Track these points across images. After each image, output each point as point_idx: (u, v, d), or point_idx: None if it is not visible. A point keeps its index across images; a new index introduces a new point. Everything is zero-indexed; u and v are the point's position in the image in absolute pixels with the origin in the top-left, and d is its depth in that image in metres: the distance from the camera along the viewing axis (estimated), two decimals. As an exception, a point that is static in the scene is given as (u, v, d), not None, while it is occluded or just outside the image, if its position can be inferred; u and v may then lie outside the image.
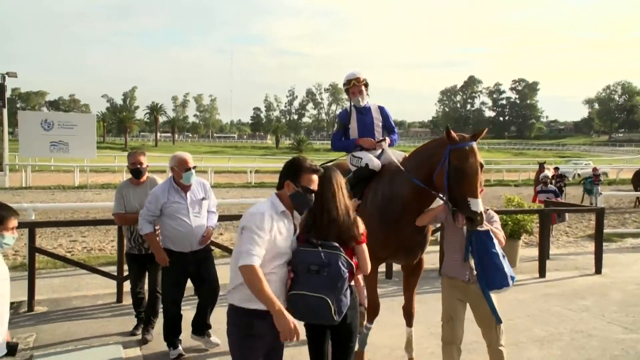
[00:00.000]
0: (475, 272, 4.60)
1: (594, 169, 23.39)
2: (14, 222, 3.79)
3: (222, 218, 10.22)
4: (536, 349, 6.00)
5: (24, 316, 7.05)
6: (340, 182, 3.93)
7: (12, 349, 3.66)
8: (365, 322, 5.20)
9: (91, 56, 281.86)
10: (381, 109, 6.07)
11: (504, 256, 4.56)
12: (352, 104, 5.98)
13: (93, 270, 7.93)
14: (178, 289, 5.78)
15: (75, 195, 22.83)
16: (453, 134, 4.53)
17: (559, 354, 5.93)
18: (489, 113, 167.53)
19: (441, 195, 4.73)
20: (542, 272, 9.22)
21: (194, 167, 5.78)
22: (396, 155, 5.63)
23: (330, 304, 3.58)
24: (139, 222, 5.66)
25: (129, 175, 6.41)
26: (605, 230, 10.93)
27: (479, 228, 4.44)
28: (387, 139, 5.84)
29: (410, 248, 5.27)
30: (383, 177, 5.41)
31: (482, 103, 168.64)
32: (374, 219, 5.05)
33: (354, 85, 5.88)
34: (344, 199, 3.88)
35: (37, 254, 7.79)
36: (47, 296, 7.61)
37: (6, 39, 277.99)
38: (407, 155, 5.54)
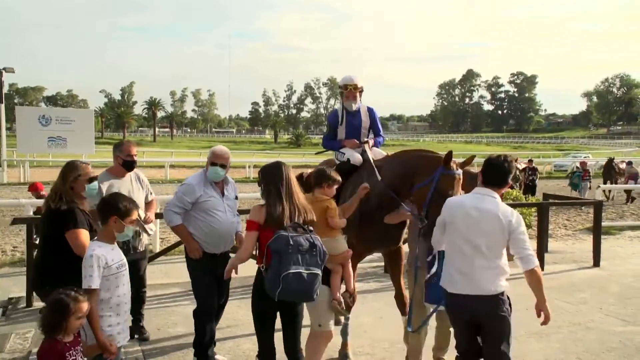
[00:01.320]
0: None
1: (582, 163, 22.64)
2: (135, 215, 4.08)
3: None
4: (535, 341, 6.01)
5: (23, 312, 7.02)
6: (291, 175, 4.39)
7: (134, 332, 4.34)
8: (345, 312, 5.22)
9: (89, 51, 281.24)
10: (370, 112, 6.24)
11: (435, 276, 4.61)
12: (344, 106, 6.16)
13: (91, 265, 7.86)
14: (213, 298, 5.21)
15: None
16: (451, 161, 4.67)
17: (558, 346, 5.94)
18: (487, 107, 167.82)
19: (408, 209, 4.99)
20: (540, 265, 9.17)
21: (224, 165, 5.26)
22: (376, 154, 5.93)
23: (320, 279, 4.05)
24: (167, 215, 5.16)
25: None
26: (603, 223, 10.92)
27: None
28: (371, 141, 6.08)
29: (385, 241, 5.50)
30: (361, 173, 5.64)
31: (481, 97, 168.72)
32: (352, 213, 5.19)
33: (350, 91, 6.07)
34: (297, 189, 4.35)
35: (35, 250, 7.76)
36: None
37: (3, 34, 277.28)
38: (387, 156, 5.84)
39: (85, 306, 3.53)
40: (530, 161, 21.84)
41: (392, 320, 6.09)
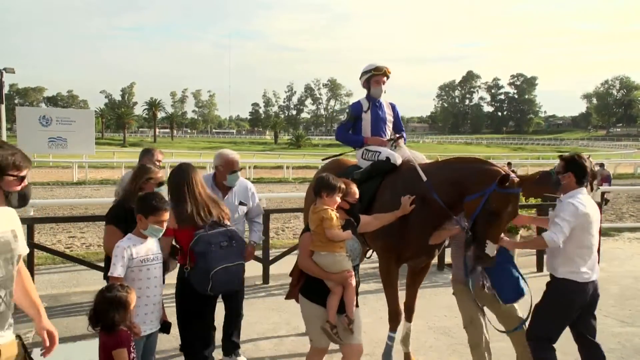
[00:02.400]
0: (486, 282, 4.70)
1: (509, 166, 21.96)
2: (165, 216, 4.09)
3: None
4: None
5: (23, 312, 7.05)
6: (195, 175, 4.63)
7: (166, 327, 4.25)
8: (388, 332, 5.35)
9: (89, 52, 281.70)
10: (393, 107, 5.92)
11: (513, 270, 4.70)
12: (371, 94, 5.72)
13: (92, 266, 7.90)
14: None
15: (74, 191, 22.84)
16: (508, 181, 4.24)
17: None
18: (487, 108, 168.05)
19: (462, 223, 4.60)
20: (539, 266, 9.23)
21: (241, 169, 5.55)
22: (416, 156, 5.33)
23: (244, 269, 4.45)
24: None
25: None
26: (602, 225, 10.91)
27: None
28: (401, 137, 5.65)
29: (429, 250, 5.12)
30: (404, 175, 5.10)
31: (481, 98, 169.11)
32: (397, 219, 4.84)
33: (383, 74, 5.68)
34: (201, 188, 4.59)
35: (36, 250, 7.79)
36: (46, 292, 7.61)
37: (3, 34, 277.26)
38: (435, 162, 5.27)
39: (134, 296, 3.74)
40: (509, 164, 21.52)
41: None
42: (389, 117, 5.82)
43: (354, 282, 4.22)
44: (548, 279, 4.58)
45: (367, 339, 6.01)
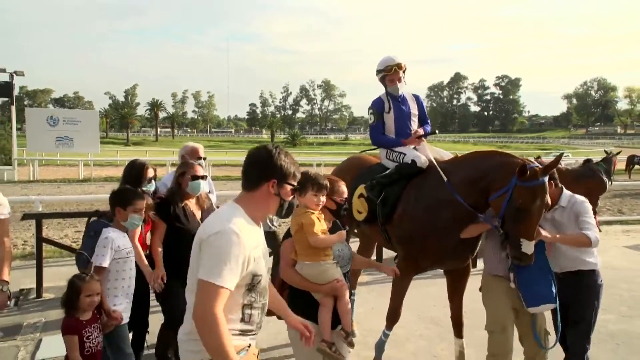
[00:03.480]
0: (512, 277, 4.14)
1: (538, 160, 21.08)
2: (141, 204, 4.14)
3: (220, 209, 10.24)
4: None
5: (33, 302, 7.10)
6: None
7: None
8: (384, 329, 5.06)
9: (94, 55, 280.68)
10: (416, 98, 5.44)
11: (548, 271, 4.06)
12: (388, 92, 5.27)
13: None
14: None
15: (80, 188, 22.76)
16: (528, 171, 3.78)
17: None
18: (474, 108, 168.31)
19: (492, 222, 4.11)
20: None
21: (204, 158, 5.72)
22: (442, 154, 5.02)
23: None
24: None
25: None
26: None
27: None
28: (420, 130, 5.27)
29: (457, 255, 4.63)
30: (429, 177, 4.69)
31: (468, 98, 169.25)
32: (417, 224, 4.57)
33: (395, 72, 5.14)
34: None
35: (44, 243, 7.83)
36: (54, 283, 7.60)
37: (12, 38, 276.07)
38: (456, 158, 4.85)
39: (95, 286, 3.70)
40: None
41: (383, 311, 6.12)
42: (414, 111, 5.34)
43: (347, 291, 3.64)
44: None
45: (359, 328, 6.07)
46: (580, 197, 4.20)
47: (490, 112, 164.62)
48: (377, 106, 5.29)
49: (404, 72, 5.21)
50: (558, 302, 4.02)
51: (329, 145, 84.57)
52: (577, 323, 4.19)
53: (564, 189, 4.25)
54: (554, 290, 4.00)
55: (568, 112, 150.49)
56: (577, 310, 4.18)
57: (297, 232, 3.54)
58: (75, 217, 13.53)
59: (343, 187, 3.78)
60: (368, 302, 6.96)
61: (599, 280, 4.28)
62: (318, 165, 32.88)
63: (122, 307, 3.99)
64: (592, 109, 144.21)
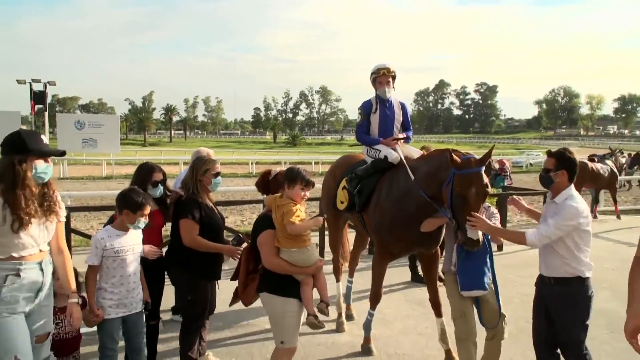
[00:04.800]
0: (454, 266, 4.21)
1: (500, 162, 17.92)
2: (148, 209, 3.92)
3: (227, 203, 10.35)
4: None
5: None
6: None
7: (146, 307, 4.03)
8: (369, 309, 5.08)
9: (116, 66, 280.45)
10: (402, 105, 5.41)
11: (484, 262, 4.12)
12: (377, 94, 5.25)
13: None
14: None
15: (103, 185, 22.82)
16: (456, 158, 3.85)
17: (511, 314, 5.94)
18: (456, 112, 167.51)
19: (447, 214, 4.08)
20: (500, 247, 9.15)
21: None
22: (412, 152, 5.02)
23: None
24: None
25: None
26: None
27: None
28: (402, 136, 5.25)
29: (423, 242, 4.66)
30: (398, 173, 4.74)
31: (451, 103, 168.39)
32: (387, 214, 4.65)
33: (383, 75, 5.15)
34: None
35: (72, 234, 7.87)
36: (82, 269, 7.63)
37: (46, 52, 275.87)
38: (422, 156, 4.86)
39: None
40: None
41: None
42: (398, 116, 5.31)
43: (322, 267, 3.74)
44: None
45: (355, 310, 6.12)
46: (575, 201, 3.59)
47: (471, 116, 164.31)
48: (365, 107, 5.32)
49: (393, 78, 5.23)
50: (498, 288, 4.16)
51: (326, 145, 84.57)
52: (565, 344, 3.72)
53: (572, 187, 3.70)
54: (486, 280, 4.08)
55: (539, 116, 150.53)
56: (564, 328, 3.68)
57: (280, 222, 3.56)
58: (99, 211, 13.55)
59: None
60: (362, 287, 7.02)
61: (589, 291, 3.63)
62: (316, 163, 32.96)
63: (108, 303, 3.79)
64: (559, 113, 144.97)
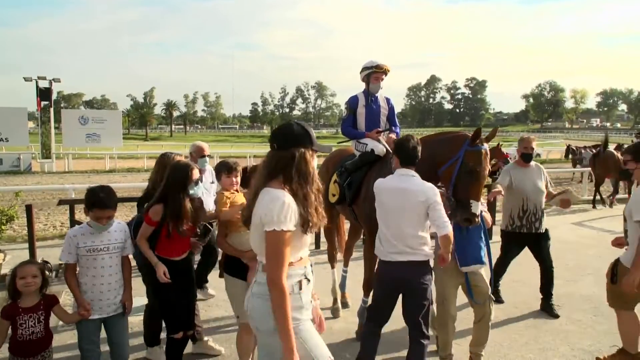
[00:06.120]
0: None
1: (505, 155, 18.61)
2: (196, 174, 3.86)
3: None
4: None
5: (70, 276, 7.14)
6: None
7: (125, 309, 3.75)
8: (362, 297, 5.12)
9: (119, 63, 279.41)
10: (388, 101, 5.35)
11: (479, 238, 4.14)
12: (369, 89, 5.20)
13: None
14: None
15: (106, 178, 22.67)
16: (479, 137, 3.92)
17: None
18: (447, 106, 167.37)
19: (445, 192, 4.06)
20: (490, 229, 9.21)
21: (209, 156, 5.84)
22: None
23: None
24: None
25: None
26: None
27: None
28: (393, 135, 5.14)
29: None
30: (386, 164, 4.72)
31: (442, 97, 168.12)
32: (375, 205, 4.54)
33: (383, 72, 5.12)
34: None
35: (77, 225, 7.83)
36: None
37: (52, 51, 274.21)
38: None
39: (29, 269, 3.40)
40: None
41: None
42: (384, 111, 5.29)
43: None
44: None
45: (350, 298, 6.13)
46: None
47: (462, 110, 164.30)
48: (351, 102, 5.29)
49: (386, 75, 5.22)
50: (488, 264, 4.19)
51: (322, 138, 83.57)
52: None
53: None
54: (482, 254, 4.11)
55: (526, 110, 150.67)
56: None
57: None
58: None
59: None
60: (357, 276, 7.02)
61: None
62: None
63: (92, 303, 3.57)
64: (546, 107, 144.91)
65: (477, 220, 3.91)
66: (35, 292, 3.46)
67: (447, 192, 4.02)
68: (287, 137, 2.58)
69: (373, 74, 5.13)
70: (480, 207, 3.91)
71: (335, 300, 5.85)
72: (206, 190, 5.40)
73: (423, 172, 4.07)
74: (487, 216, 4.36)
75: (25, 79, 27.99)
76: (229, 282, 3.87)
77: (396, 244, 3.71)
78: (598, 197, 14.02)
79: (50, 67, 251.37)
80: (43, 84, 28.07)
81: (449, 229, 3.57)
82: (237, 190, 3.94)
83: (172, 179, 3.83)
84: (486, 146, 3.97)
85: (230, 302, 3.99)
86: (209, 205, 4.66)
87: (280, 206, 2.40)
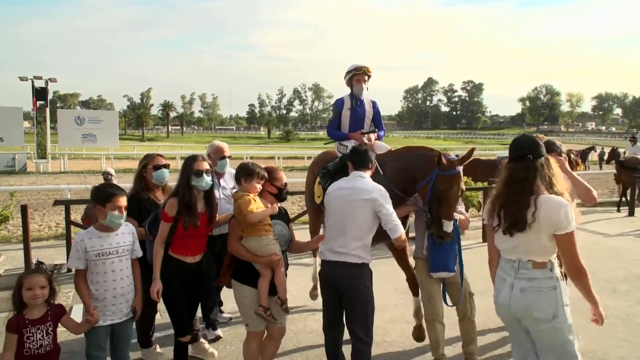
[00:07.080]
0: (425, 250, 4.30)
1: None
2: (120, 201, 3.45)
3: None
4: (477, 299, 6.14)
5: (65, 275, 7.17)
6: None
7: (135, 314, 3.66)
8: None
9: (115, 63, 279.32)
10: (374, 104, 5.38)
11: (451, 247, 4.17)
12: (353, 92, 5.26)
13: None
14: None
15: (102, 179, 22.66)
16: (444, 160, 3.94)
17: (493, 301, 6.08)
18: (444, 108, 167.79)
19: (420, 205, 4.24)
20: (484, 237, 9.27)
21: (230, 157, 5.08)
22: (380, 147, 4.99)
23: None
24: None
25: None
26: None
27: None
28: (373, 135, 5.12)
29: (385, 236, 4.42)
30: None
31: (439, 100, 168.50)
32: None
33: (363, 73, 5.17)
34: None
35: (72, 226, 7.86)
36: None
37: (47, 50, 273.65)
38: (390, 151, 4.86)
39: (36, 279, 3.19)
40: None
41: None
42: (369, 114, 5.30)
43: (283, 265, 3.73)
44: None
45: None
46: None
47: (458, 112, 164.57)
48: (337, 105, 5.37)
49: (369, 77, 5.26)
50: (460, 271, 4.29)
51: (318, 140, 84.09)
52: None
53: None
54: (452, 263, 4.19)
55: (522, 113, 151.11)
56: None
57: (239, 213, 3.63)
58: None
59: (281, 174, 3.94)
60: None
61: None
62: (309, 157, 32.90)
63: (99, 309, 3.44)
64: (542, 110, 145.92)
65: (449, 237, 3.97)
66: (42, 302, 3.26)
67: (424, 206, 4.11)
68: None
69: (354, 76, 5.20)
70: (451, 226, 3.96)
71: (314, 287, 6.06)
72: (225, 197, 4.84)
73: (401, 181, 4.25)
74: (464, 220, 4.44)
75: (21, 79, 27.91)
76: (238, 290, 3.77)
77: (332, 245, 3.73)
78: (622, 199, 14.05)
79: (45, 66, 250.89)
80: (39, 84, 28.03)
81: (400, 230, 3.65)
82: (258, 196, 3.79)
83: (181, 170, 3.82)
84: (458, 169, 3.95)
85: (239, 310, 3.85)
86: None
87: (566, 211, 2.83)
